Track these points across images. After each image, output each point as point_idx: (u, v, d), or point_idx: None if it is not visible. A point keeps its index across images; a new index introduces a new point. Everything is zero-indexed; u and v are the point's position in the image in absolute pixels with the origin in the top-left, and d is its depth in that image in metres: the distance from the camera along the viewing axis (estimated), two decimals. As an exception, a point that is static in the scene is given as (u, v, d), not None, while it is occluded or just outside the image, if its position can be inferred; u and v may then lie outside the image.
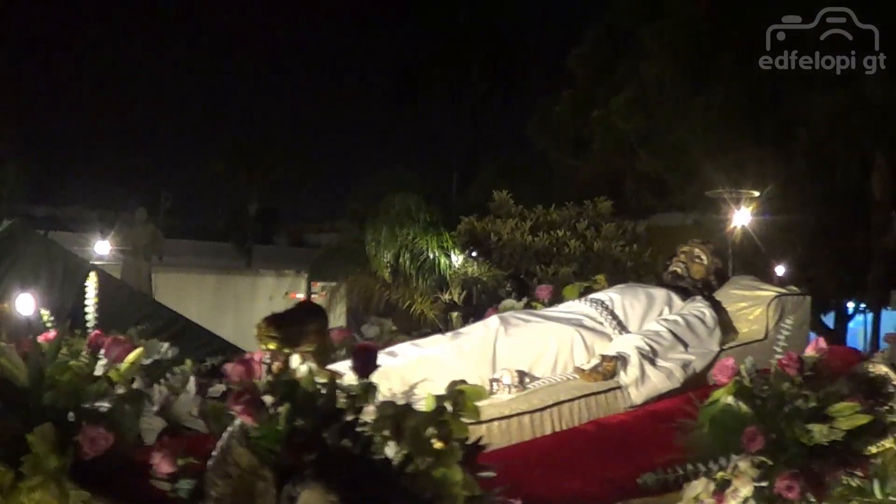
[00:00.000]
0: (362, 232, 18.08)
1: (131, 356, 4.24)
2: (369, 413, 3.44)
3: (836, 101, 19.37)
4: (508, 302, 6.83)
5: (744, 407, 4.31)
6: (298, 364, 3.64)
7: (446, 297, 16.31)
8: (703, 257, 6.44)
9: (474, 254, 16.20)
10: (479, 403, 4.20)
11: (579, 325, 5.53)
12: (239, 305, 24.25)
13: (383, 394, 4.02)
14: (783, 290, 6.25)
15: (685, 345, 5.56)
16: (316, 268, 22.77)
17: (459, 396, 3.59)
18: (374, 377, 4.06)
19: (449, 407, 3.54)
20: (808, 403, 4.24)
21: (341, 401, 3.41)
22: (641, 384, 5.21)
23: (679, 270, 6.39)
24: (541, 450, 4.74)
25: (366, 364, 3.57)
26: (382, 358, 4.50)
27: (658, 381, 5.24)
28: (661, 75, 21.17)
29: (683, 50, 20.44)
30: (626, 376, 5.19)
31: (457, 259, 16.75)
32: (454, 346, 5.26)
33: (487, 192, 17.04)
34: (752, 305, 6.12)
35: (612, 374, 5.18)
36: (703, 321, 5.75)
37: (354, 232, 19.25)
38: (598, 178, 22.55)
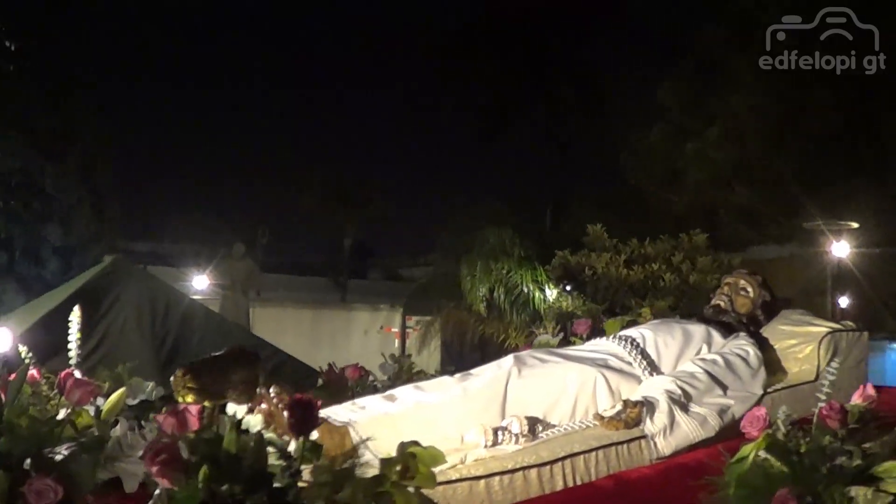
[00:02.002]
0: (456, 266, 18.13)
1: (113, 397, 4.08)
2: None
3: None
4: (544, 338, 6.62)
5: (776, 464, 3.69)
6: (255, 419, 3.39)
7: (540, 331, 16.34)
8: (750, 289, 6.01)
9: (569, 288, 16.14)
10: (479, 455, 4.21)
11: (604, 365, 5.03)
12: (334, 339, 24.35)
13: (371, 447, 3.87)
14: (837, 326, 5.82)
15: (724, 388, 5.05)
16: (410, 302, 22.90)
17: (410, 460, 3.23)
18: (368, 426, 4.15)
19: (394, 474, 3.18)
20: (853, 461, 3.61)
21: (275, 463, 3.06)
22: (670, 433, 4.67)
23: (722, 304, 5.95)
24: None
25: (303, 421, 3.19)
26: (378, 403, 4.47)
27: (690, 429, 4.70)
28: (754, 106, 21.06)
29: (777, 80, 20.32)
30: (653, 424, 4.65)
31: (551, 293, 16.72)
32: (460, 389, 4.67)
33: (581, 226, 16.98)
34: (803, 343, 5.70)
35: (637, 421, 4.63)
36: (745, 361, 5.28)
37: (448, 266, 19.29)
38: (693, 210, 22.40)
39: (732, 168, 21.83)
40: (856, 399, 4.07)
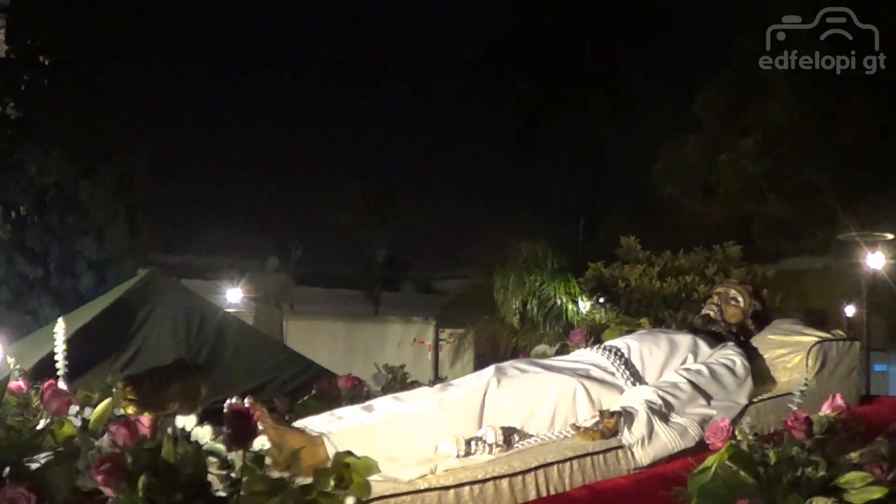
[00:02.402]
0: (490, 278, 18.14)
1: (100, 408, 4.04)
2: None
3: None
4: (541, 347, 6.42)
5: (741, 474, 3.66)
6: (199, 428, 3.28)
7: (590, 342, 16.36)
8: (740, 299, 5.90)
9: (602, 300, 16.12)
10: (450, 466, 4.13)
11: (585, 375, 4.91)
12: (368, 352, 24.33)
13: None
14: (827, 335, 5.66)
15: (708, 398, 4.97)
16: (444, 314, 22.90)
17: (344, 470, 3.25)
18: (343, 436, 4.12)
19: (328, 485, 3.20)
20: (818, 472, 3.57)
21: (216, 473, 3.05)
22: (648, 443, 4.55)
23: (712, 314, 5.84)
24: None
25: (239, 431, 3.14)
26: (355, 414, 4.42)
27: (668, 439, 4.59)
28: (789, 117, 20.98)
29: (811, 90, 20.24)
30: (631, 434, 4.53)
31: (584, 305, 16.71)
32: (436, 399, 4.59)
33: (614, 238, 16.95)
34: (792, 352, 5.56)
35: (614, 431, 4.51)
36: (731, 370, 5.20)
37: (482, 278, 19.31)
38: (726, 222, 22.32)
39: (767, 179, 21.73)
40: (825, 409, 4.05)
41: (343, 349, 23.41)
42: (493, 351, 18.08)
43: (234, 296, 21.12)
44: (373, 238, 33.14)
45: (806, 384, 4.87)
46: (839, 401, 4.08)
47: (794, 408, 4.02)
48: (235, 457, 3.12)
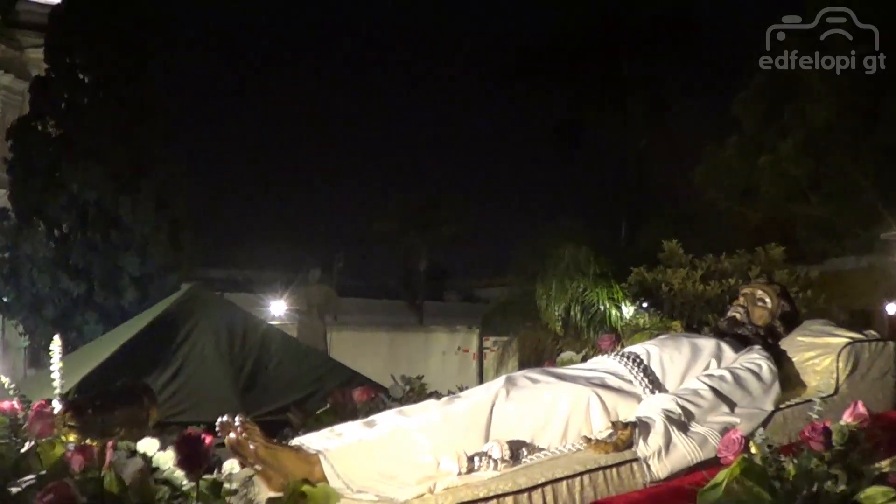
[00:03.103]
0: (532, 285, 18.12)
1: None
2: None
3: None
4: (567, 354, 6.25)
5: (755, 489, 3.41)
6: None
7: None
8: (768, 300, 5.62)
9: (645, 305, 16.07)
10: (451, 483, 3.96)
11: (601, 384, 4.68)
12: (412, 362, 24.33)
13: (343, 476, 3.89)
14: (858, 336, 5.33)
15: (732, 405, 4.71)
16: (487, 322, 22.89)
17: (300, 499, 3.14)
18: (341, 454, 4.04)
19: None
20: (838, 487, 3.33)
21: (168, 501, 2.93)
22: (665, 455, 4.29)
23: (738, 316, 5.59)
24: None
25: (191, 457, 3.05)
26: (355, 430, 4.30)
27: (687, 450, 4.32)
28: (829, 117, 20.86)
29: (851, 90, 20.12)
30: (647, 446, 4.28)
31: (628, 310, 16.66)
32: (440, 413, 4.40)
33: (656, 242, 16.90)
34: (822, 355, 5.24)
35: (629, 443, 4.28)
36: (757, 375, 4.91)
37: (524, 286, 19.28)
38: (768, 224, 22.22)
39: (808, 180, 21.61)
40: (846, 418, 3.83)
41: (387, 359, 23.41)
42: (536, 358, 18.01)
43: (277, 308, 21.20)
44: (415, 248, 33.16)
45: (833, 392, 4.91)
46: (861, 408, 3.87)
47: (815, 416, 3.83)
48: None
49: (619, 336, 6.32)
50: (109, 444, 3.25)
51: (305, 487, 3.20)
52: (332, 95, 54.31)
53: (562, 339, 17.28)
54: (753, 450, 3.59)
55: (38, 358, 20.26)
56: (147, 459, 3.16)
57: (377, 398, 5.90)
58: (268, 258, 27.99)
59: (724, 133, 24.31)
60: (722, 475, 3.52)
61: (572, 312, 17.09)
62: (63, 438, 3.28)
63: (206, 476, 3.08)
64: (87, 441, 3.26)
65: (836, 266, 22.26)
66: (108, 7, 18.63)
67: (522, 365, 19.83)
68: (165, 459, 3.16)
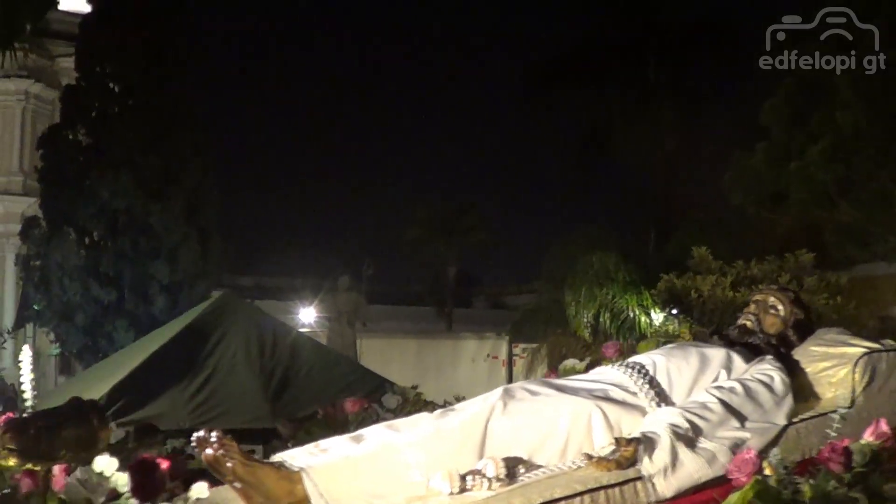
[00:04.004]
0: (561, 293, 18.11)
1: None
2: None
3: None
4: (569, 362, 6.08)
5: None
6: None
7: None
8: (780, 307, 5.30)
9: (675, 311, 16.03)
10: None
11: (604, 397, 4.42)
12: (441, 369, 24.40)
13: (326, 495, 3.69)
14: (876, 346, 4.99)
15: (743, 418, 4.43)
16: (516, 329, 22.88)
17: None
18: (325, 471, 3.80)
19: None
20: None
21: None
22: (672, 472, 4.02)
23: (749, 324, 5.27)
24: None
25: (145, 485, 2.93)
26: (342, 445, 4.05)
27: (694, 468, 4.04)
28: (858, 122, 20.77)
29: (880, 95, 20.03)
30: (652, 463, 4.02)
31: (657, 317, 16.64)
32: (433, 427, 4.11)
33: (685, 249, 16.87)
34: (837, 365, 4.91)
35: (633, 461, 4.02)
36: (769, 387, 4.62)
37: (553, 293, 19.28)
38: (797, 230, 22.12)
39: (837, 186, 21.51)
40: (867, 436, 3.59)
41: (416, 366, 23.44)
42: (566, 365, 18.01)
43: (307, 315, 21.26)
44: (443, 255, 33.21)
45: (849, 405, 4.57)
46: (884, 426, 3.64)
47: (833, 434, 3.60)
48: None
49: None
50: (61, 468, 3.13)
51: None
52: (361, 103, 54.47)
53: (591, 346, 17.27)
54: (768, 471, 3.40)
55: (69, 365, 20.40)
56: (102, 480, 3.02)
57: (370, 409, 5.74)
58: (297, 265, 28.13)
59: (753, 139, 24.24)
60: (734, 498, 3.34)
61: (601, 319, 17.07)
62: (2, 462, 3.12)
63: None
64: (29, 465, 3.10)
65: (865, 272, 22.13)
66: (137, 16, 18.76)
67: (552, 372, 19.82)
68: (123, 481, 3.02)
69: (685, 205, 30.27)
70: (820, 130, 21.78)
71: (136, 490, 2.92)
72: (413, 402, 5.97)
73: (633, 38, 32.16)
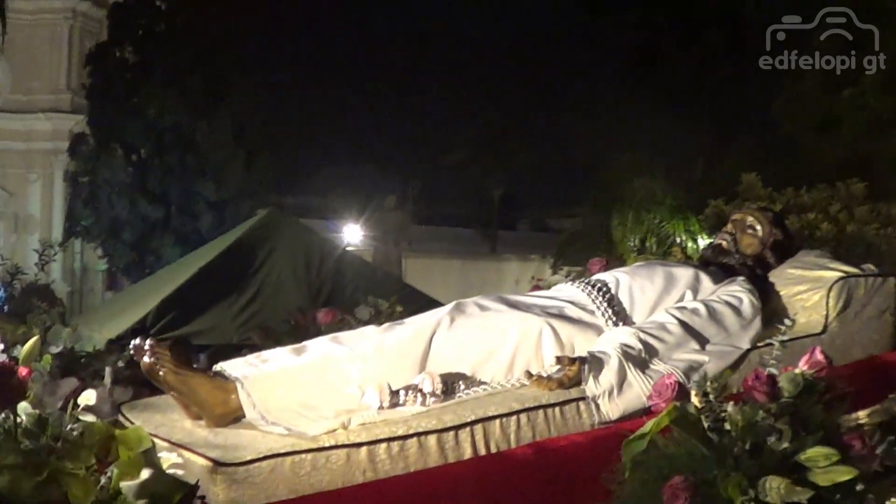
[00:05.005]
0: (606, 217, 18.02)
1: (28, 345, 3.63)
2: None
3: None
4: (555, 278, 6.00)
5: (673, 446, 2.96)
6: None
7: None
8: (758, 227, 5.13)
9: (723, 238, 15.92)
10: (368, 419, 3.65)
11: (558, 315, 4.27)
12: (484, 290, 24.24)
13: (260, 405, 3.64)
14: (854, 270, 4.86)
15: (704, 341, 4.30)
16: (560, 252, 22.83)
17: (111, 442, 2.64)
18: (261, 382, 3.73)
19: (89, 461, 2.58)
20: (781, 444, 2.84)
21: None
22: (618, 394, 3.92)
23: (724, 244, 5.12)
24: (441, 480, 3.50)
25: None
26: (282, 356, 3.98)
27: (644, 390, 3.88)
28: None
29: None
30: (598, 384, 3.91)
31: (704, 243, 16.54)
32: (375, 341, 4.01)
33: (732, 176, 16.71)
34: (811, 289, 4.78)
35: (577, 381, 3.91)
36: (736, 309, 4.47)
37: (598, 217, 19.19)
38: (848, 159, 21.89)
39: (890, 114, 21.26)
40: (802, 365, 3.29)
41: (460, 287, 23.40)
42: (610, 289, 17.97)
43: (352, 234, 21.30)
44: (488, 177, 33.14)
45: (821, 331, 4.53)
46: (819, 355, 3.32)
47: (772, 360, 3.25)
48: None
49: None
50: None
51: (116, 431, 2.68)
52: (407, 20, 54.19)
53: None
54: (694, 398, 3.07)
55: (116, 281, 20.57)
56: None
57: (344, 320, 5.71)
58: (342, 185, 28.10)
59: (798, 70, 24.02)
60: (650, 425, 3.06)
61: (648, 244, 16.98)
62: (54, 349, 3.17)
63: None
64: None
65: (918, 203, 21.95)
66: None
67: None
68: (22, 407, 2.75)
69: (733, 131, 30.06)
70: (875, 55, 21.54)
71: None
72: (388, 315, 5.92)
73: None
